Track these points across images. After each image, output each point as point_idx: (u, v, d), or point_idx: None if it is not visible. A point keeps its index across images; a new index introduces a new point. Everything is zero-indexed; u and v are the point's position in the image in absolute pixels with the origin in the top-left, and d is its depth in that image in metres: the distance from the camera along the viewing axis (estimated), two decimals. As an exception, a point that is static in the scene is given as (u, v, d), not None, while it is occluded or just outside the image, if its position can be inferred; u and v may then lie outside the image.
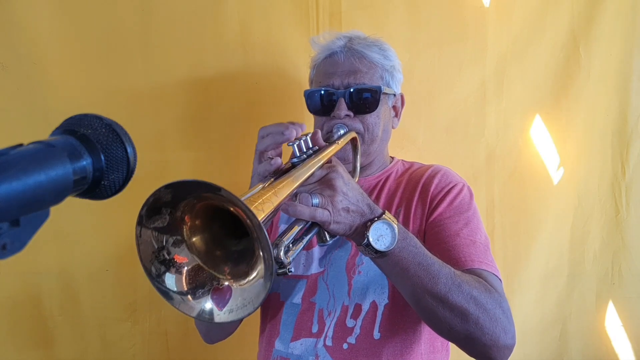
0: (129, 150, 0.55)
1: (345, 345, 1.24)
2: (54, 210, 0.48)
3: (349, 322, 1.26)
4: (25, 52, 1.64)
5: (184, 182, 0.67)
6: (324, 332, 1.27)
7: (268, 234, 0.87)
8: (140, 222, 0.71)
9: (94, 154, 0.53)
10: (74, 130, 0.53)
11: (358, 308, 1.27)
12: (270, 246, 0.69)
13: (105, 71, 1.68)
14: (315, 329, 1.28)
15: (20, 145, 0.46)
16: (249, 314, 0.74)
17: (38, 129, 1.61)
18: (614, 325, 1.84)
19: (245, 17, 1.72)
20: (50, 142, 0.49)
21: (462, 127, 1.80)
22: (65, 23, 1.66)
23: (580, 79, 1.78)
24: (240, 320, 0.75)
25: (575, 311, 1.83)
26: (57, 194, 0.48)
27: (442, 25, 1.78)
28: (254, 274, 0.75)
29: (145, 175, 1.66)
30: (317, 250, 1.37)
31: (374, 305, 1.27)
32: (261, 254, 0.72)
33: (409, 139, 1.79)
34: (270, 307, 1.38)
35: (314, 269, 1.35)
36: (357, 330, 1.25)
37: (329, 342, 1.26)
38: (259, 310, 1.45)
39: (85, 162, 0.52)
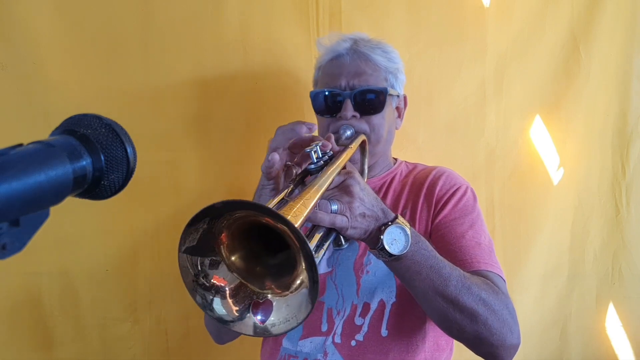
0: (129, 150, 0.55)
1: (353, 343, 1.27)
2: (54, 210, 0.48)
3: (358, 320, 1.29)
4: (25, 52, 1.63)
5: (232, 202, 0.67)
6: (333, 330, 1.29)
7: None
8: (180, 243, 0.72)
9: (94, 154, 0.53)
10: (74, 130, 0.53)
11: (366, 307, 1.30)
12: (314, 258, 0.70)
13: (105, 71, 1.68)
14: (324, 328, 1.30)
15: (20, 145, 0.47)
16: (298, 325, 0.76)
17: (38, 129, 1.61)
18: (614, 326, 1.83)
19: (245, 17, 1.72)
20: (50, 142, 0.49)
21: (462, 127, 1.80)
22: (65, 23, 1.66)
23: (580, 79, 1.78)
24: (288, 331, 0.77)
25: (575, 311, 1.83)
26: (57, 194, 0.48)
27: (442, 25, 1.78)
28: (295, 285, 0.77)
29: (144, 175, 1.67)
30: None
31: (381, 304, 1.29)
32: (303, 265, 0.73)
33: (409, 139, 1.79)
34: None
35: (322, 268, 1.36)
36: (365, 328, 1.28)
37: (337, 340, 1.28)
38: None
39: (85, 162, 0.52)
